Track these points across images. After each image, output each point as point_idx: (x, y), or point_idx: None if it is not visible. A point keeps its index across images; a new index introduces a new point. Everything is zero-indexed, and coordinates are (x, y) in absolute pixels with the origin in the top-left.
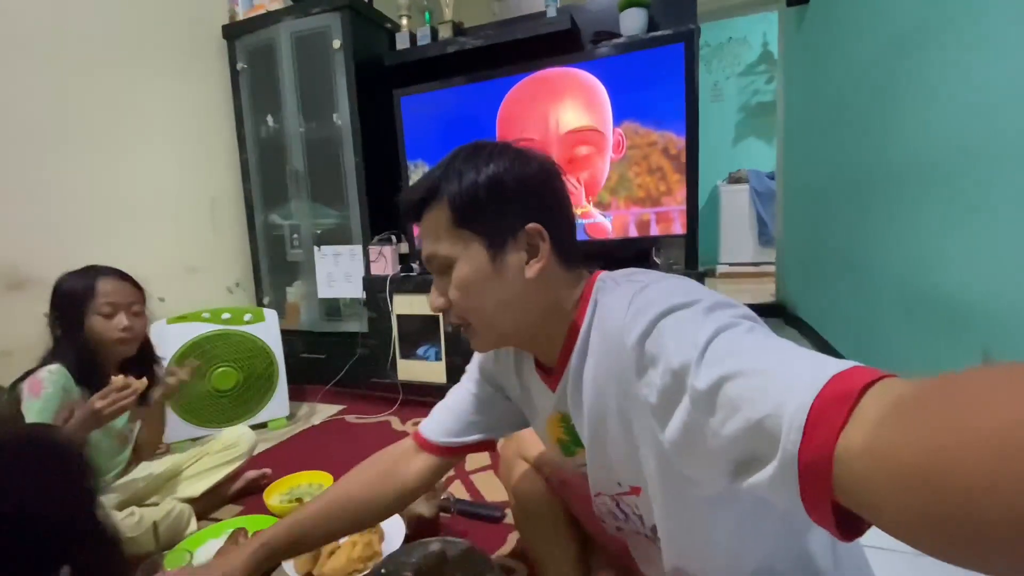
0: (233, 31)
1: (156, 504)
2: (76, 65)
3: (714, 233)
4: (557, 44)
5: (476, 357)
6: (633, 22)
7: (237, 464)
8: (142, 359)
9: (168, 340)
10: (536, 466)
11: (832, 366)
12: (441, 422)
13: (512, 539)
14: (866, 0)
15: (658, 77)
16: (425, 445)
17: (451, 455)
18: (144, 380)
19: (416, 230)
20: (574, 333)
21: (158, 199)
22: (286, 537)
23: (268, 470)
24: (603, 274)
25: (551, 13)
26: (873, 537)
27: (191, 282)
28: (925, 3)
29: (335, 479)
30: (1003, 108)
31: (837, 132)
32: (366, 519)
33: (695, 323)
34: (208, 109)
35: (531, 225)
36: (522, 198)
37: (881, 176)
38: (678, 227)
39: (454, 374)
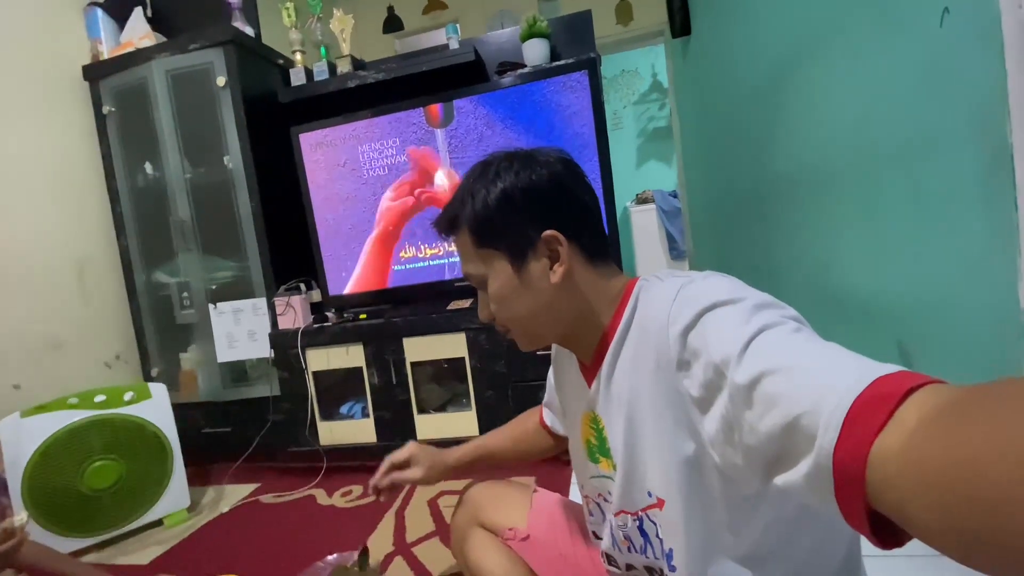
0: (96, 71)
1: None
2: None
3: (629, 252)
4: (462, 76)
5: (552, 348)
6: (536, 52)
7: None
8: None
9: (24, 437)
10: (495, 530)
11: (877, 369)
12: (548, 408)
13: None
14: (743, 25)
15: (566, 104)
16: (544, 426)
17: (560, 440)
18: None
19: None
20: (612, 329)
21: (11, 265)
22: (474, 454)
23: None
24: (646, 275)
25: (454, 45)
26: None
27: (57, 361)
28: (796, 24)
29: None
30: (876, 115)
31: (730, 149)
32: (525, 457)
33: (740, 319)
34: (70, 159)
35: (547, 232)
36: (533, 208)
37: (773, 186)
38: None
39: (384, 431)
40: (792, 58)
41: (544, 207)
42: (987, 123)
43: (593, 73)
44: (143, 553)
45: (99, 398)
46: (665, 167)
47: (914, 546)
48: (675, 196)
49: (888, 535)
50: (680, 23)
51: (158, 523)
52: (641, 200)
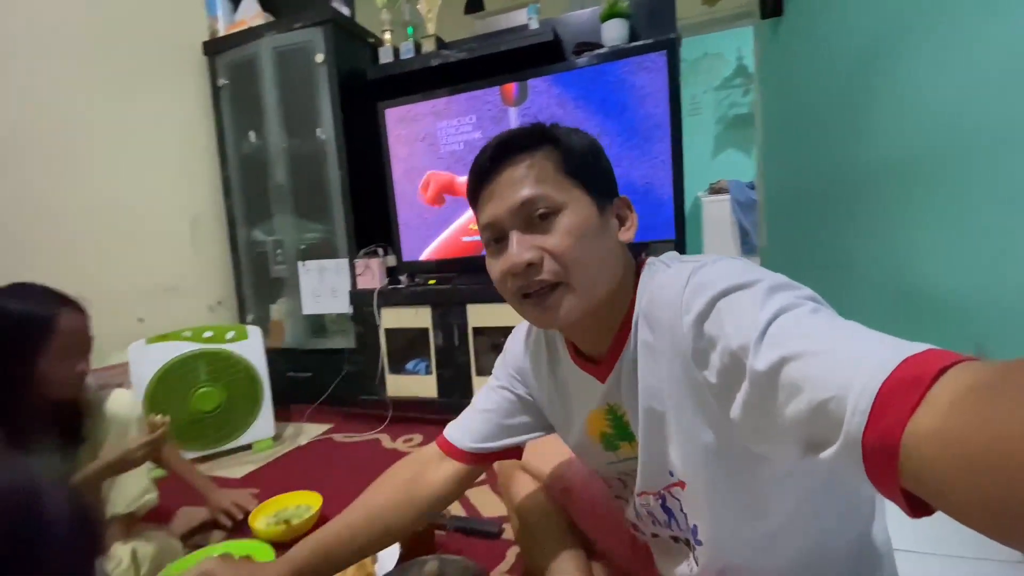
0: (214, 47)
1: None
2: (56, 82)
3: (697, 244)
4: (540, 56)
5: (504, 359)
6: (615, 32)
7: None
8: (72, 405)
9: (147, 361)
10: (537, 476)
11: (905, 348)
12: (469, 427)
13: (511, 555)
14: (839, 9)
15: (640, 85)
16: (452, 452)
17: (479, 462)
18: (166, 417)
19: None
20: (628, 319)
21: (137, 217)
22: (310, 558)
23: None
24: (651, 259)
25: (533, 25)
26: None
27: (171, 301)
28: (897, 8)
29: (324, 500)
30: (969, 105)
31: (815, 139)
32: (392, 532)
33: (755, 304)
34: (189, 126)
35: (623, 196)
36: (611, 172)
37: (859, 178)
38: (666, 233)
39: (445, 388)
40: (886, 41)
41: (613, 178)
42: None
43: (672, 54)
44: (236, 469)
45: (207, 334)
46: (744, 156)
47: (949, 546)
48: (752, 187)
49: (920, 504)
50: (772, 3)
51: (247, 447)
52: (715, 190)
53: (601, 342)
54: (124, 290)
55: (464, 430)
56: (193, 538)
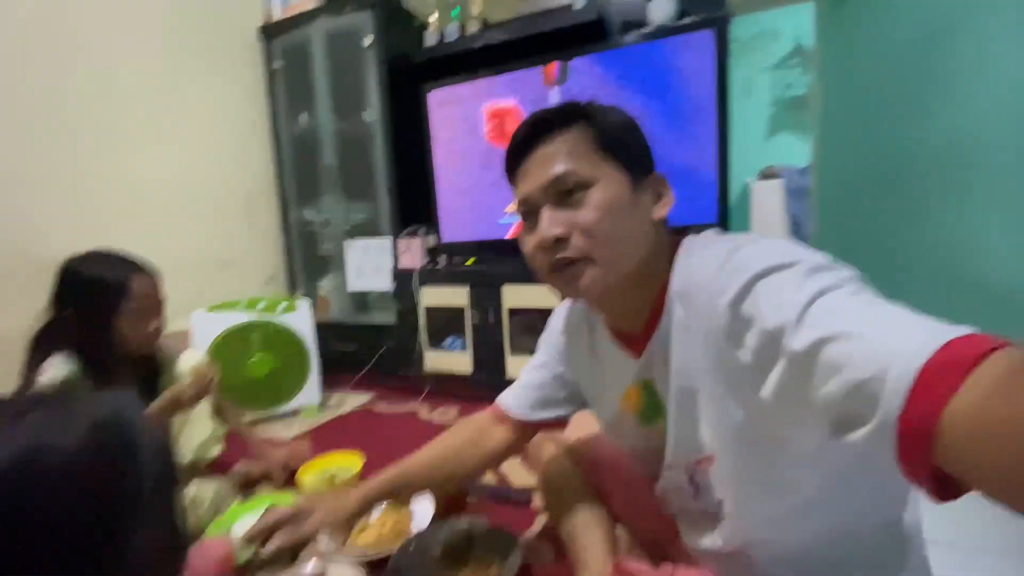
0: (270, 31)
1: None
2: (122, 65)
3: (745, 232)
4: (584, 36)
5: (546, 336)
6: (661, 10)
7: None
8: (149, 361)
9: (208, 327)
10: (566, 447)
11: (948, 332)
12: (520, 397)
13: (539, 523)
14: None
15: (685, 65)
16: (504, 419)
17: (527, 430)
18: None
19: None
20: (663, 296)
21: (196, 194)
22: (381, 490)
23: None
24: (688, 237)
25: (578, 5)
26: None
27: (227, 275)
28: None
29: (365, 461)
30: None
31: (875, 123)
32: (453, 479)
33: (794, 285)
34: (245, 107)
35: (659, 173)
36: (649, 148)
37: (922, 166)
38: (708, 217)
39: (480, 365)
40: (952, 19)
41: (652, 154)
42: None
43: (720, 32)
44: (285, 431)
45: (260, 305)
46: (798, 141)
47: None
48: (806, 174)
49: (946, 489)
50: None
51: (296, 412)
52: (766, 175)
53: (636, 319)
54: (186, 262)
55: (515, 400)
56: (247, 489)
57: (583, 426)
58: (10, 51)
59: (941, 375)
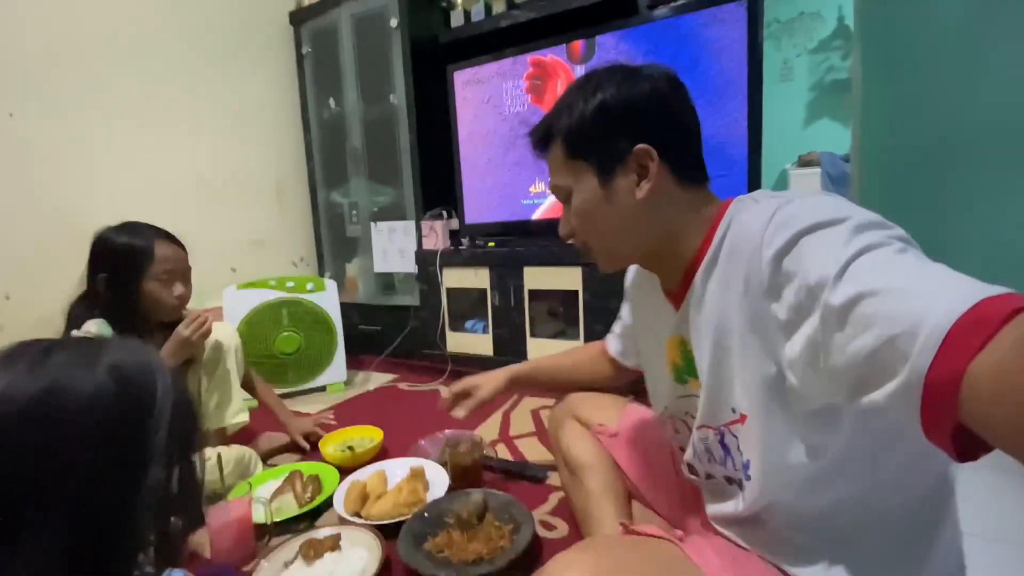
0: (299, 17)
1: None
2: (158, 53)
3: None
4: (611, 12)
5: (626, 280)
6: None
7: None
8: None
9: (239, 304)
10: (586, 424)
11: (984, 290)
12: (613, 342)
13: (554, 499)
14: None
15: (714, 38)
16: (606, 355)
17: (622, 371)
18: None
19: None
20: (702, 252)
21: (230, 177)
22: (524, 374)
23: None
24: (740, 196)
25: None
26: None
27: (258, 255)
28: None
29: (385, 435)
30: None
31: (918, 106)
32: (579, 384)
33: (840, 241)
34: (277, 93)
35: (639, 146)
36: (630, 121)
37: (966, 152)
38: (737, 195)
39: (501, 347)
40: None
41: (640, 121)
42: None
43: (752, 4)
44: (311, 406)
45: (289, 284)
46: (840, 127)
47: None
48: (847, 160)
49: (967, 450)
50: None
51: (322, 388)
52: (805, 162)
53: (674, 275)
54: (220, 242)
55: (613, 343)
56: (272, 458)
57: (602, 402)
58: (56, 44)
59: (970, 332)
